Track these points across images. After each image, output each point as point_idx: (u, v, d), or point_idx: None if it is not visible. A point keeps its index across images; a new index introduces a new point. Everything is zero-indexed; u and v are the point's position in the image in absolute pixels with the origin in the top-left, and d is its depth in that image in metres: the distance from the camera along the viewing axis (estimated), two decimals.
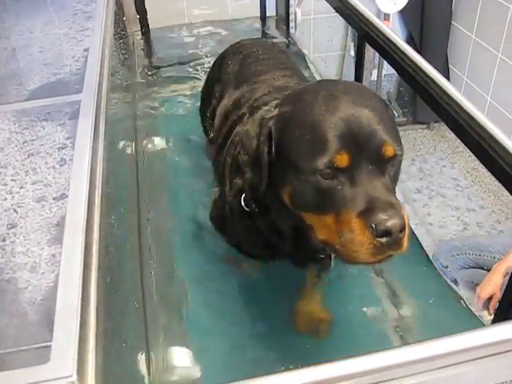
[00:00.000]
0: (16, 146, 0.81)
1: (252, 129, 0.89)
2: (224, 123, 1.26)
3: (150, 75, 2.03)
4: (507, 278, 1.84)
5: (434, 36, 3.01)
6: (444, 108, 1.12)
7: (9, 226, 0.65)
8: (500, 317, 0.98)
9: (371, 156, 0.74)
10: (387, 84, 3.43)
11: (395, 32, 3.10)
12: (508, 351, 0.59)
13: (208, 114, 1.54)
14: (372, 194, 0.73)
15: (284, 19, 2.23)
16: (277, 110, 0.85)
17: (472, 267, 2.14)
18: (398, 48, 1.31)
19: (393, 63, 1.35)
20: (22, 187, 0.72)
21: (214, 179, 1.31)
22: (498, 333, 0.59)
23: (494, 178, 2.73)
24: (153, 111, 1.86)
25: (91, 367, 0.51)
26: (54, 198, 0.69)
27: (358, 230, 0.72)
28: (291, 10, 2.14)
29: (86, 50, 1.09)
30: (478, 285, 2.00)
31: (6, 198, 0.70)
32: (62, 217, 0.66)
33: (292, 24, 2.18)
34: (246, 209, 0.99)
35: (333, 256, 1.02)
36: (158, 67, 2.08)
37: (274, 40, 2.19)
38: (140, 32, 2.24)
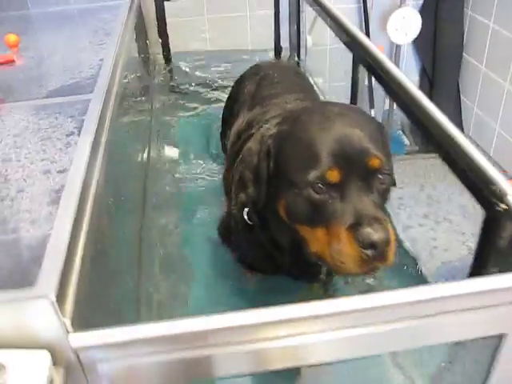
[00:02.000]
0: (32, 132, 0.94)
1: (254, 146, 0.97)
2: (236, 142, 1.34)
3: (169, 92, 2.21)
4: None
5: (445, 67, 3.11)
6: (428, 130, 1.13)
7: (18, 191, 0.78)
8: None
9: (360, 171, 0.83)
10: (400, 113, 3.53)
11: (408, 63, 3.23)
12: (486, 306, 0.67)
13: (227, 133, 1.62)
14: (360, 210, 0.80)
15: (295, 47, 2.37)
16: (276, 128, 0.93)
17: None
18: (389, 71, 1.35)
19: (384, 86, 1.41)
20: (32, 163, 0.85)
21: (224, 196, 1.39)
22: (477, 285, 0.66)
23: None
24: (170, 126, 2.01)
25: (72, 293, 0.62)
26: (57, 172, 0.82)
27: (345, 243, 0.79)
28: (302, 37, 2.29)
29: (101, 59, 1.23)
30: None
31: (17, 171, 0.83)
32: (62, 185, 0.78)
33: (302, 50, 2.32)
34: (249, 222, 1.06)
35: (323, 270, 1.06)
36: (177, 86, 2.25)
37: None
38: (162, 54, 2.42)
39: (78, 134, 0.92)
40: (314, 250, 0.87)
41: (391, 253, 0.80)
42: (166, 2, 2.32)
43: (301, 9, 2.24)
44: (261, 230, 1.05)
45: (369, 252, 0.77)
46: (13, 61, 1.26)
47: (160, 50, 2.42)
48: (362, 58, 1.57)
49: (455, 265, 2.28)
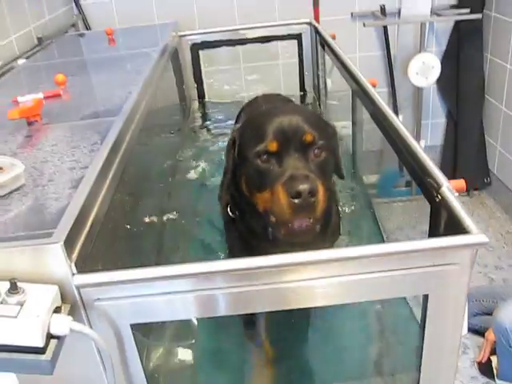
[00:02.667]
0: (65, 143, 1.19)
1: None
2: None
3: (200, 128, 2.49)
4: None
5: (469, 109, 3.25)
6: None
7: (48, 180, 1.01)
8: None
9: (296, 144, 1.05)
10: (430, 155, 3.67)
11: (435, 106, 3.37)
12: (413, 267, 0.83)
13: None
14: (294, 171, 1.01)
15: (317, 90, 2.61)
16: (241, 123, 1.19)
17: (483, 314, 2.26)
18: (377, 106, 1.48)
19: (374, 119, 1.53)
20: (62, 163, 1.09)
21: None
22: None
23: None
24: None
25: (79, 244, 0.84)
26: (80, 168, 1.05)
27: (279, 195, 0.99)
28: (322, 80, 2.52)
29: (130, 92, 1.49)
30: (486, 329, 2.12)
31: (51, 168, 1.07)
32: (82, 176, 1.01)
33: (323, 92, 2.55)
34: (232, 215, 1.27)
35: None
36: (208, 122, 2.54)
37: None
38: (197, 98, 2.71)
39: (101, 144, 1.16)
40: (265, 211, 1.06)
41: (318, 205, 0.99)
42: (201, 52, 2.62)
43: (319, 55, 2.48)
44: (241, 221, 1.24)
45: (296, 200, 0.96)
46: (59, 95, 1.53)
47: (196, 94, 2.71)
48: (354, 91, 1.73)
49: (470, 292, 2.35)
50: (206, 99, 2.74)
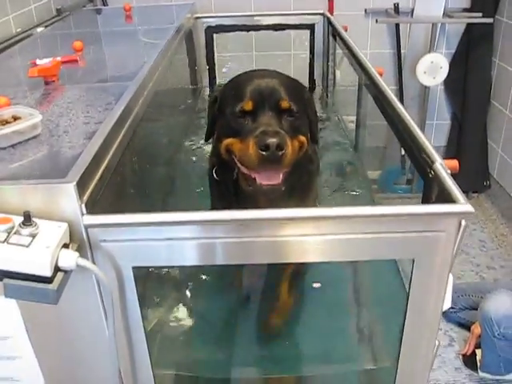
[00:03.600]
0: (81, 101, 1.25)
1: None
2: None
3: None
4: None
5: (474, 112, 3.30)
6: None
7: (64, 131, 1.07)
8: None
9: (271, 106, 1.13)
10: None
11: (441, 109, 3.44)
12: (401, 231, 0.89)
13: None
14: (265, 127, 1.09)
15: (326, 81, 2.67)
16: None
17: (471, 309, 2.31)
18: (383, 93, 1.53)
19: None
20: (78, 118, 1.14)
21: None
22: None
23: None
24: None
25: (91, 188, 0.89)
26: (94, 123, 1.10)
27: (250, 146, 1.08)
28: (330, 71, 2.57)
29: (144, 62, 1.55)
30: (473, 323, 2.18)
31: (66, 122, 1.12)
32: (95, 130, 1.07)
33: (331, 83, 2.60)
34: (216, 178, 1.35)
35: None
36: None
37: None
38: (208, 80, 2.76)
39: (115, 104, 1.21)
40: (239, 162, 1.14)
41: (285, 160, 1.07)
42: (215, 35, 2.67)
43: (331, 46, 2.53)
44: (223, 182, 1.32)
45: (263, 152, 1.04)
46: (76, 61, 1.59)
47: (207, 76, 2.76)
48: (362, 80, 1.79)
49: (460, 286, 2.41)
50: (217, 82, 2.78)
